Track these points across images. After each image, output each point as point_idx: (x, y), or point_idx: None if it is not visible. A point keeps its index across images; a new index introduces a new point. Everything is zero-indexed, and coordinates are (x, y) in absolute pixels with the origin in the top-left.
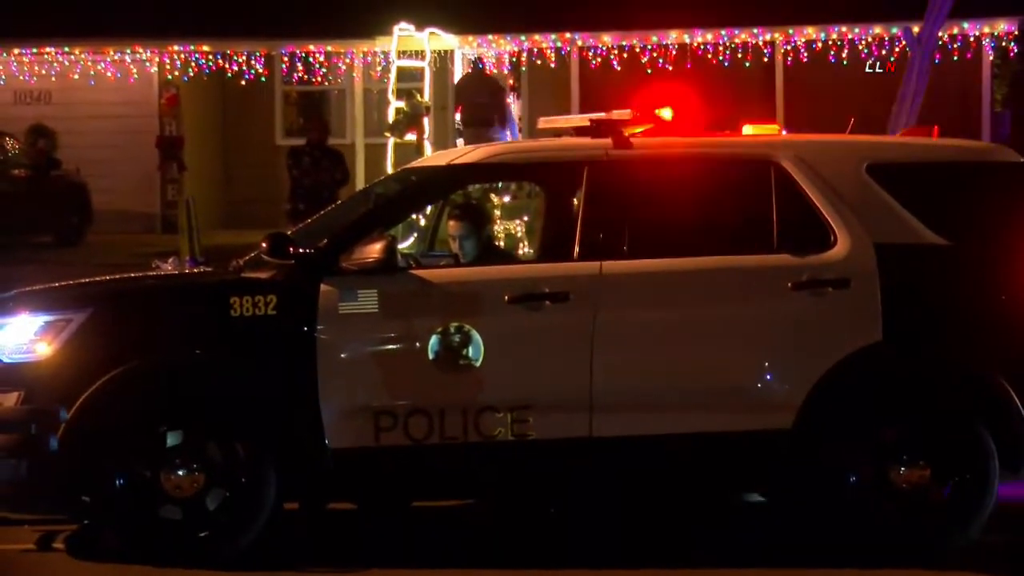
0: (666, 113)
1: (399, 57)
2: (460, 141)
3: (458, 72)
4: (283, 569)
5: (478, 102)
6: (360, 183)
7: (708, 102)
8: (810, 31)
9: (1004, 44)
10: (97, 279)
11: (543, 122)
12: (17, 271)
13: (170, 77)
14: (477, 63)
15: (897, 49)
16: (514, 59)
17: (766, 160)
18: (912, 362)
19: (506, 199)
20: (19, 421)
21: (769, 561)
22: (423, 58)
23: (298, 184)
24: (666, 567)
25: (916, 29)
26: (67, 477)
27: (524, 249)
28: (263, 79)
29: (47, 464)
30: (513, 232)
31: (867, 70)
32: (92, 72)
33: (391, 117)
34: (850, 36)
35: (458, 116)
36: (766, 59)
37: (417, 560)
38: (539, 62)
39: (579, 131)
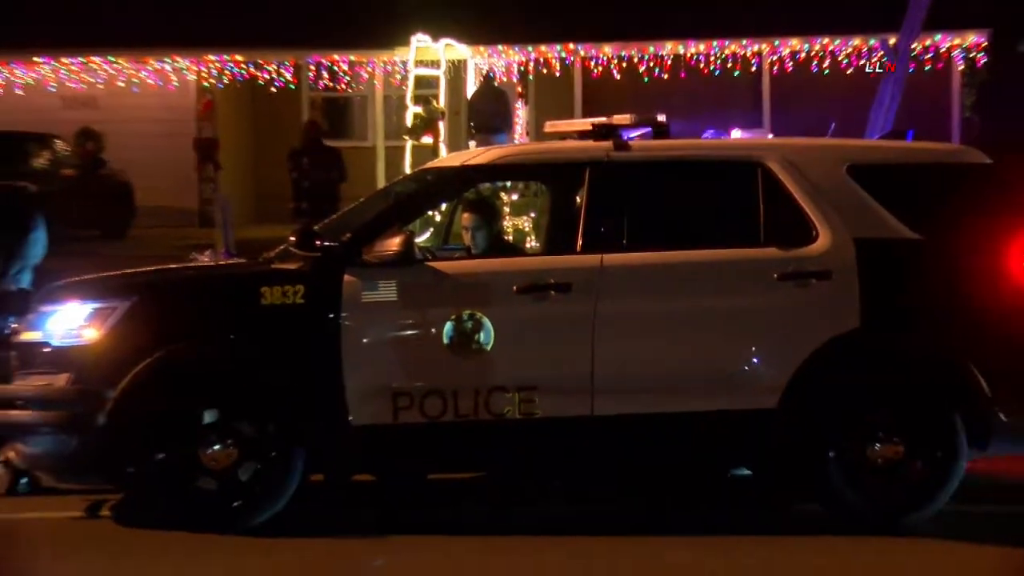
0: (660, 118)
1: (416, 66)
2: (472, 144)
3: (471, 79)
4: (309, 535)
5: (488, 111)
6: (380, 182)
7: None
8: (795, 42)
9: (973, 55)
10: (140, 270)
11: (549, 126)
12: (67, 262)
13: (206, 84)
14: (489, 75)
15: (875, 59)
16: (522, 68)
17: (754, 162)
18: (887, 348)
19: (514, 197)
20: (69, 400)
21: (755, 529)
22: (438, 67)
23: (297, 185)
24: (660, 534)
25: (892, 41)
26: (113, 451)
27: (531, 243)
28: (292, 86)
29: (94, 439)
30: (521, 227)
31: (868, 70)
32: (135, 80)
33: (409, 121)
34: (831, 47)
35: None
36: (754, 68)
37: (431, 528)
38: (545, 71)
39: (582, 134)
